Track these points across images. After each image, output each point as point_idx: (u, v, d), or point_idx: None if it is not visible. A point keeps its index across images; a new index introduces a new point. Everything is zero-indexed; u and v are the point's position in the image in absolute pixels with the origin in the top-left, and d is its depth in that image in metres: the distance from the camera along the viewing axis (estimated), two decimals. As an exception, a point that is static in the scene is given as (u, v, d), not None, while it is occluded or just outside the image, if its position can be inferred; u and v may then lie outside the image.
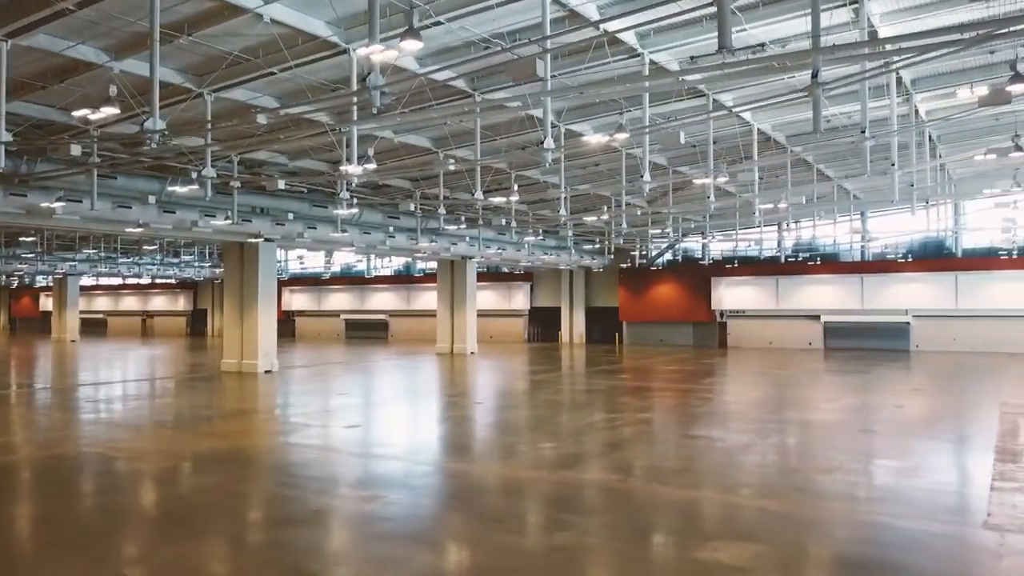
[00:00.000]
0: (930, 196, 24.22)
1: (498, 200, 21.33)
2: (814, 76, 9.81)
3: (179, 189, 17.90)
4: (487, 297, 43.63)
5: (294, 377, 24.02)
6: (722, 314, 40.00)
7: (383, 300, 50.33)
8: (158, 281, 59.05)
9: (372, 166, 15.12)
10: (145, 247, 43.92)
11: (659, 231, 35.53)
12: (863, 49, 10.06)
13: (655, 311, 41.38)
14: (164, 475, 10.37)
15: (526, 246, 33.80)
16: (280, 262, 48.82)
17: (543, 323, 45.86)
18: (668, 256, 43.50)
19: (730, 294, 39.68)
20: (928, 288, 34.81)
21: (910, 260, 35.93)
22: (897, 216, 36.18)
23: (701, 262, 41.72)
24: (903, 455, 11.40)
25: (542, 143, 12.73)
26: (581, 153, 21.21)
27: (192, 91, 15.18)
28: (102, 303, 66.02)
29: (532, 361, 31.14)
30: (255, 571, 6.57)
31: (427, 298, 46.58)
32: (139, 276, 51.26)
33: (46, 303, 62.13)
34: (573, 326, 44.51)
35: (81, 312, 52.52)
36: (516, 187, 20.78)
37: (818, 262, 37.92)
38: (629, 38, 14.37)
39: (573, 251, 37.26)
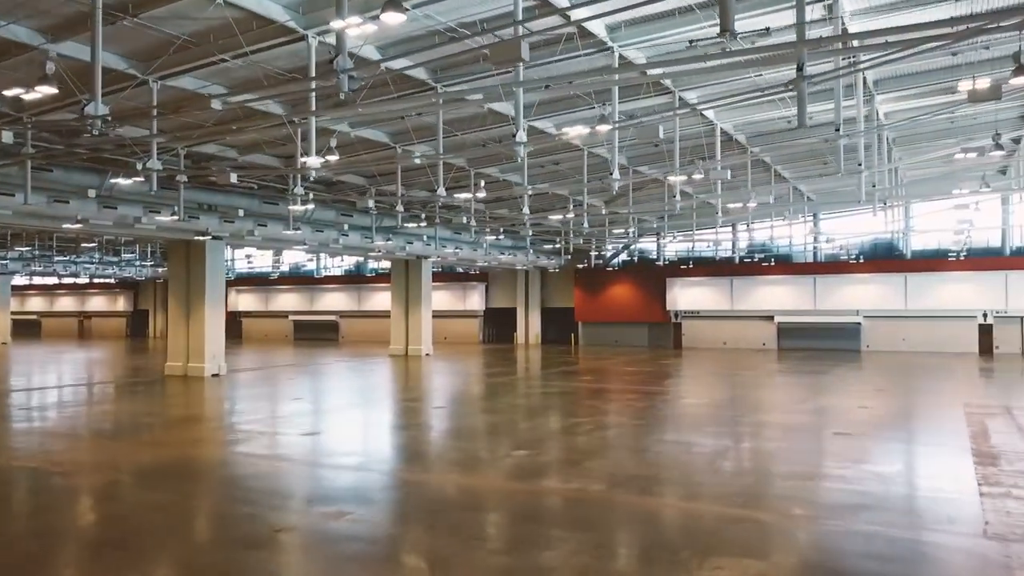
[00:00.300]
0: (888, 198, 24.38)
1: (464, 196, 20.72)
2: (799, 69, 9.47)
3: (122, 182, 16.87)
4: (441, 297, 42.95)
5: (243, 381, 23.01)
6: (677, 315, 40.04)
7: (333, 300, 49.22)
8: (96, 281, 56.78)
9: (335, 158, 14.35)
10: (83, 245, 41.98)
11: (621, 231, 35.31)
12: (852, 42, 9.76)
13: (610, 312, 41.24)
14: (105, 491, 9.52)
15: (483, 246, 33.22)
16: (226, 261, 47.27)
17: (498, 324, 45.34)
18: (624, 257, 43.43)
19: (685, 295, 39.74)
20: (879, 289, 35.36)
21: (861, 261, 36.45)
22: (849, 218, 36.75)
23: (656, 263, 41.77)
24: (883, 459, 11.18)
25: (514, 136, 12.14)
26: (547, 150, 20.79)
27: (136, 78, 14.21)
28: (36, 304, 63.23)
29: (490, 363, 30.58)
30: (213, 603, 5.89)
31: (379, 298, 45.70)
32: (76, 275, 49.06)
33: (-26, 304, 59.16)
34: (529, 327, 44.10)
35: (13, 313, 50.23)
36: (483, 183, 20.19)
37: (772, 263, 38.21)
38: (599, 30, 13.96)
39: (531, 251, 36.84)
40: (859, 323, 35.81)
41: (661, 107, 17.88)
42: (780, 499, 8.78)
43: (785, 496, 8.91)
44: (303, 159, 13.36)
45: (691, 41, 12.06)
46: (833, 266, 36.92)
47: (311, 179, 18.01)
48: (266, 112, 16.23)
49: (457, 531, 7.62)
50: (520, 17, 10.69)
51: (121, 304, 58.72)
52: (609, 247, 42.42)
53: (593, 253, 41.28)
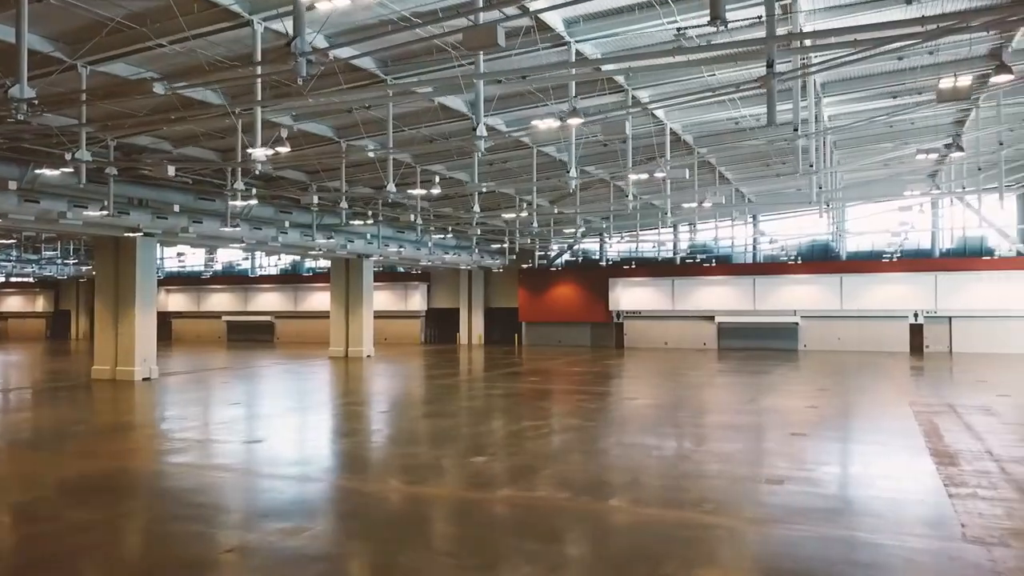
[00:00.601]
0: (832, 200, 24.80)
1: (418, 192, 20.14)
2: (769, 66, 9.30)
3: (48, 173, 15.72)
4: (382, 298, 42.07)
5: (177, 385, 21.92)
6: (619, 315, 40.15)
7: (269, 301, 47.81)
8: (14, 280, 53.87)
9: (286, 149, 13.64)
10: (0, 241, 39.66)
11: (572, 231, 35.13)
12: (837, 37, 9.65)
13: (554, 312, 41.10)
14: (26, 510, 8.69)
15: (428, 245, 32.62)
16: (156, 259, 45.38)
17: (440, 324, 44.72)
18: (567, 257, 43.38)
19: (627, 295, 39.88)
20: (815, 290, 36.11)
21: (799, 263, 37.17)
22: (786, 220, 37.46)
23: (600, 263, 41.84)
24: (844, 461, 11.17)
25: (474, 130, 11.70)
26: (498, 147, 20.41)
27: (63, 62, 13.22)
28: (-54, 304, 59.69)
29: (434, 364, 30.01)
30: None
31: (317, 299, 44.57)
32: (-10, 274, 46.48)
33: None
34: (472, 327, 43.62)
35: (-79, 314, 47.20)
36: (438, 179, 19.65)
37: (713, 264, 38.63)
38: (557, 23, 13.64)
39: (476, 251, 36.38)
40: (796, 323, 36.51)
41: (614, 105, 17.69)
42: (753, 504, 8.57)
43: (757, 501, 8.71)
44: (250, 151, 12.60)
45: (679, 29, 11.73)
46: (772, 267, 37.57)
47: (257, 173, 17.16)
48: (205, 102, 15.41)
49: (426, 545, 7.15)
50: (481, 4, 10.29)
51: (41, 304, 55.86)
52: (555, 247, 42.33)
53: (538, 253, 41.09)
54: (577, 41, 14.23)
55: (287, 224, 25.84)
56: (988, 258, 33.75)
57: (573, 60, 14.02)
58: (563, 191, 28.54)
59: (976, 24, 8.21)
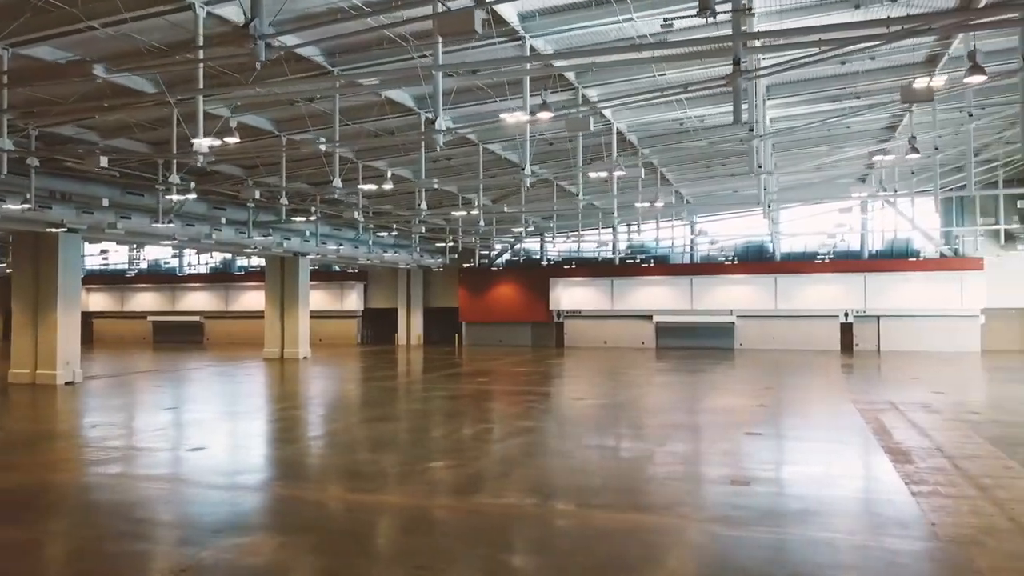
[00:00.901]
0: (772, 201, 25.22)
1: (368, 187, 19.56)
2: (736, 64, 9.22)
3: (-38, 163, 14.61)
4: (317, 297, 41.02)
5: (103, 390, 20.77)
6: (560, 314, 40.17)
7: (198, 300, 46.17)
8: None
9: (234, 140, 12.95)
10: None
11: (520, 230, 34.89)
12: (803, 37, 9.62)
13: (495, 311, 40.86)
14: (-48, 529, 7.93)
15: (367, 243, 31.91)
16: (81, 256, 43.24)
17: (378, 324, 43.94)
18: (508, 256, 43.17)
19: (568, 295, 39.94)
20: (751, 289, 36.84)
21: (735, 263, 37.85)
22: (723, 221, 38.07)
23: (541, 263, 41.78)
24: (804, 460, 11.22)
25: (432, 123, 11.31)
26: (444, 143, 19.95)
27: (-19, 43, 12.27)
28: None
29: (374, 366, 29.35)
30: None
31: (249, 298, 43.26)
32: None
33: None
34: (411, 327, 42.99)
35: None
36: (390, 175, 19.12)
37: (651, 264, 39.00)
38: (512, 17, 13.36)
39: (416, 250, 35.81)
40: (733, 322, 37.17)
41: (564, 104, 17.50)
42: (725, 507, 8.45)
43: (728, 503, 8.58)
44: (194, 141, 11.90)
45: (665, 19, 11.51)
46: (709, 267, 38.16)
47: (198, 165, 16.31)
48: (138, 90, 14.56)
49: (401, 560, 6.76)
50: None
51: (-52, 304, 52.64)
52: (498, 246, 42.06)
53: (480, 252, 40.75)
54: (532, 36, 13.99)
55: (222, 220, 24.83)
56: (914, 259, 35.01)
57: (527, 55, 13.78)
58: (506, 190, 28.36)
59: (937, 26, 8.28)
